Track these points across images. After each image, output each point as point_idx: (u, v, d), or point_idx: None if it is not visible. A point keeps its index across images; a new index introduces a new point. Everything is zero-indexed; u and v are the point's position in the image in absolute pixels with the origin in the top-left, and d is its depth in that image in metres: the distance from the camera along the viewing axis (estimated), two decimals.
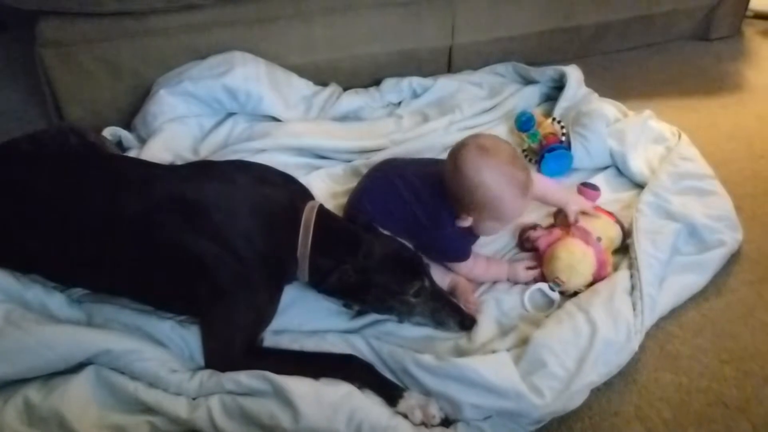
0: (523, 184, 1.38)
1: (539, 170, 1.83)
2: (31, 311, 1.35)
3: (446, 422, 1.25)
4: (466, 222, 1.43)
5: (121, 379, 1.26)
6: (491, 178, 1.36)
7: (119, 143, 1.90)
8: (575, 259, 1.46)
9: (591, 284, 1.48)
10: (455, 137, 1.86)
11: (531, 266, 1.53)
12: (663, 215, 1.64)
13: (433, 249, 1.49)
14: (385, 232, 1.44)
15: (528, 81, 2.22)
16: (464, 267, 1.50)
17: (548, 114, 2.02)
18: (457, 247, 1.48)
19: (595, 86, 2.15)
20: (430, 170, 1.50)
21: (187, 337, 1.34)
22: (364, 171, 1.68)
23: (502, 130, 2.01)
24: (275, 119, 1.97)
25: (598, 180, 1.80)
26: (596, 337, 1.31)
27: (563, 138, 1.86)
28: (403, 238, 1.45)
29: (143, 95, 1.96)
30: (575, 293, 1.47)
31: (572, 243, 1.49)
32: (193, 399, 1.25)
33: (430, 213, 1.46)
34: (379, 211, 1.48)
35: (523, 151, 1.92)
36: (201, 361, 1.33)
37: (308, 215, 1.37)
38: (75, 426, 1.19)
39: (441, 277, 1.49)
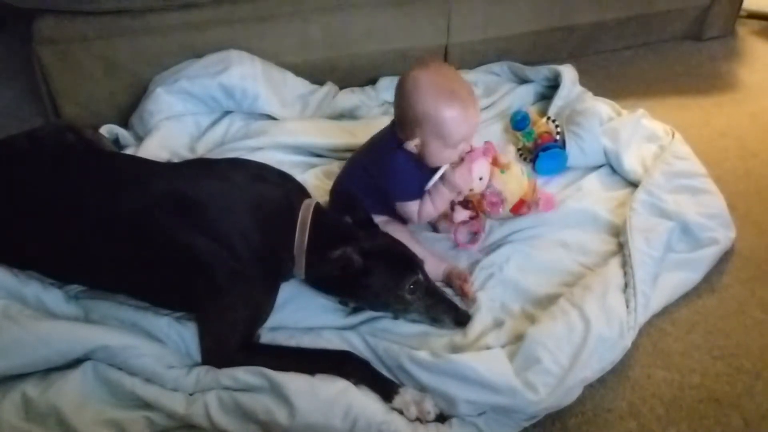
0: (459, 96, 1.40)
1: (534, 169, 1.85)
2: (28, 307, 1.35)
3: (441, 418, 1.26)
4: (414, 142, 1.44)
5: (119, 374, 1.27)
6: (426, 88, 1.40)
7: (116, 141, 1.91)
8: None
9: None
10: None
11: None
12: (656, 213, 1.65)
13: (388, 192, 1.50)
14: (377, 218, 1.48)
15: (523, 80, 2.23)
16: (413, 208, 1.50)
17: (543, 113, 2.03)
18: (407, 182, 1.49)
19: (590, 85, 2.16)
20: (378, 134, 1.59)
21: (184, 333, 1.35)
22: None
23: (497, 129, 2.02)
24: (271, 118, 1.98)
25: (591, 178, 1.82)
26: (590, 333, 1.32)
27: (558, 137, 1.87)
28: (375, 208, 1.50)
29: (140, 93, 1.96)
30: None
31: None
32: (190, 395, 1.26)
33: (382, 157, 1.51)
34: (347, 189, 1.55)
35: (518, 149, 1.93)
36: (198, 358, 1.33)
37: (304, 213, 1.38)
38: (73, 421, 1.19)
39: (436, 265, 1.51)
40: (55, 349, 1.26)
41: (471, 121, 1.44)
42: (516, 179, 1.59)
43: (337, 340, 1.37)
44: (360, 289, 1.35)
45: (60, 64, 1.89)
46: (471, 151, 1.48)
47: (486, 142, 1.56)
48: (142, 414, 1.23)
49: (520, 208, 1.63)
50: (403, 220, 1.58)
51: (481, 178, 1.52)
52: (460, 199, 1.57)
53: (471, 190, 1.53)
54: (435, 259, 1.53)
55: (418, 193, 1.51)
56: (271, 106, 1.96)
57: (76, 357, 1.28)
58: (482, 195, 1.56)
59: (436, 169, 1.48)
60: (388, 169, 1.50)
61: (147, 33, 1.92)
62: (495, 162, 1.56)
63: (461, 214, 1.56)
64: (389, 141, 1.51)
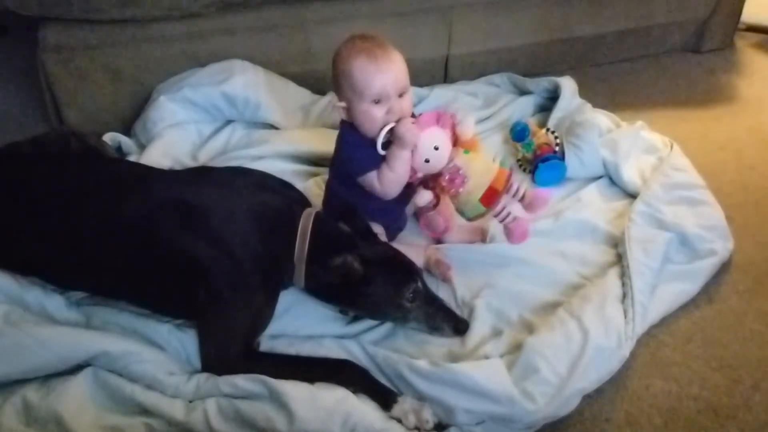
0: (367, 50, 1.44)
1: (533, 180, 1.86)
2: (30, 313, 1.36)
3: (439, 426, 1.26)
4: (341, 105, 1.48)
5: (119, 381, 1.27)
6: (343, 51, 1.47)
7: (119, 148, 1.91)
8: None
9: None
10: None
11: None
12: (655, 224, 1.66)
13: (350, 170, 1.50)
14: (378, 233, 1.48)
15: (523, 91, 2.24)
16: (374, 179, 1.48)
17: (542, 124, 2.04)
18: (359, 154, 1.49)
19: (589, 97, 2.17)
20: None
21: (184, 340, 1.35)
22: None
23: (496, 140, 2.03)
24: (273, 127, 1.99)
25: (590, 190, 1.82)
26: (588, 343, 1.33)
27: (557, 148, 1.88)
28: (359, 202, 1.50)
29: (143, 101, 1.98)
30: None
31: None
32: (190, 401, 1.26)
33: (337, 140, 1.56)
34: (335, 194, 1.58)
35: (518, 160, 1.94)
36: (198, 364, 1.34)
37: (305, 221, 1.39)
38: (73, 426, 1.20)
39: (416, 255, 1.51)
40: (56, 355, 1.27)
41: (385, 74, 1.42)
42: (482, 162, 1.49)
43: (337, 348, 1.38)
44: (360, 297, 1.36)
45: (64, 71, 1.91)
46: (418, 118, 1.47)
47: (434, 113, 1.50)
48: (141, 420, 1.24)
49: (492, 198, 1.46)
50: (384, 217, 1.57)
51: (437, 148, 1.45)
52: (419, 175, 1.49)
53: (427, 160, 1.46)
54: (412, 249, 1.53)
55: (373, 163, 1.48)
56: (273, 115, 1.98)
57: (77, 363, 1.29)
58: (441, 172, 1.49)
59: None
60: (341, 147, 1.53)
61: (151, 42, 1.93)
62: (456, 141, 1.50)
63: (423, 196, 1.51)
64: (341, 123, 1.54)
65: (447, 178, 1.46)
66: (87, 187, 1.40)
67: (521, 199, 1.51)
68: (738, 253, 1.68)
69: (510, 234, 1.51)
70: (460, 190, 1.46)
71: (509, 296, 1.50)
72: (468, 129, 1.51)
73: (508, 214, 1.50)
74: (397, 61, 1.46)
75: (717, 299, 1.57)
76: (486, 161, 1.51)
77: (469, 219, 1.53)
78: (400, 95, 1.45)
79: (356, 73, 1.43)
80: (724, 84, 2.51)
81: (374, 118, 1.45)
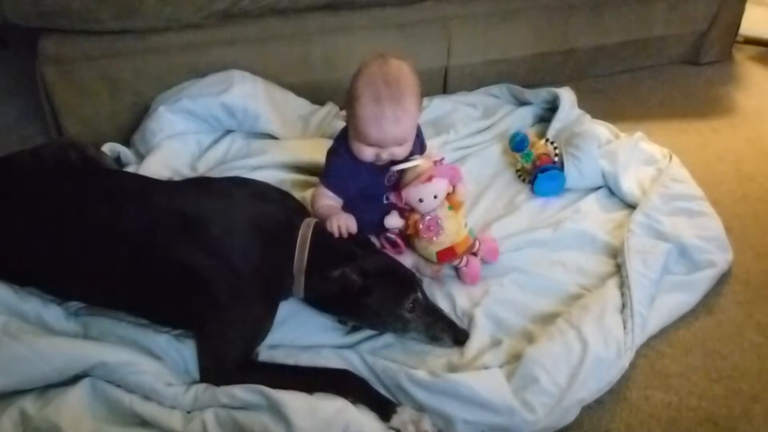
0: (379, 98, 1.39)
1: (533, 190, 1.86)
2: (28, 323, 1.35)
3: None
4: (343, 113, 1.48)
5: (117, 391, 1.27)
6: (363, 76, 1.42)
7: (118, 159, 1.91)
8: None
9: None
10: (449, 157, 1.89)
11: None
12: (654, 235, 1.66)
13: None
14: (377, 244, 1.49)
15: (522, 102, 2.25)
16: (318, 189, 1.52)
17: (541, 135, 2.05)
18: (332, 167, 1.51)
19: (588, 108, 2.18)
20: None
21: (182, 350, 1.35)
22: None
23: (495, 150, 2.04)
24: (272, 137, 1.99)
25: (589, 200, 1.83)
26: (587, 353, 1.33)
27: (556, 158, 1.89)
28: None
29: (142, 112, 1.98)
30: None
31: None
32: (188, 412, 1.26)
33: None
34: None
35: (517, 171, 1.94)
36: (196, 375, 1.33)
37: (304, 232, 1.39)
38: None
39: (405, 256, 1.53)
40: (54, 366, 1.26)
41: (382, 129, 1.41)
42: (457, 223, 1.54)
43: (336, 358, 1.37)
44: (359, 308, 1.35)
45: (64, 82, 1.91)
46: (438, 165, 1.50)
47: (453, 168, 1.55)
48: (140, 431, 1.23)
49: (447, 256, 1.54)
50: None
51: (436, 197, 1.49)
52: (400, 204, 1.53)
53: (421, 200, 1.49)
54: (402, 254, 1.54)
55: (338, 178, 1.50)
56: (272, 125, 1.98)
57: (75, 373, 1.28)
58: (422, 216, 1.51)
59: (372, 174, 1.50)
60: (329, 149, 1.55)
61: (150, 53, 1.94)
62: (448, 196, 1.53)
63: (395, 221, 1.53)
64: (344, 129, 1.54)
65: (426, 224, 1.51)
66: (86, 198, 1.40)
67: (475, 253, 1.59)
68: (737, 264, 1.68)
69: (464, 276, 1.57)
70: (434, 238, 1.51)
71: (508, 306, 1.50)
72: (466, 192, 1.58)
73: (461, 259, 1.57)
74: (403, 121, 1.42)
75: (716, 310, 1.57)
76: (460, 225, 1.55)
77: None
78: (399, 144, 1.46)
79: (359, 117, 1.41)
80: (723, 96, 2.53)
81: (364, 154, 1.47)
